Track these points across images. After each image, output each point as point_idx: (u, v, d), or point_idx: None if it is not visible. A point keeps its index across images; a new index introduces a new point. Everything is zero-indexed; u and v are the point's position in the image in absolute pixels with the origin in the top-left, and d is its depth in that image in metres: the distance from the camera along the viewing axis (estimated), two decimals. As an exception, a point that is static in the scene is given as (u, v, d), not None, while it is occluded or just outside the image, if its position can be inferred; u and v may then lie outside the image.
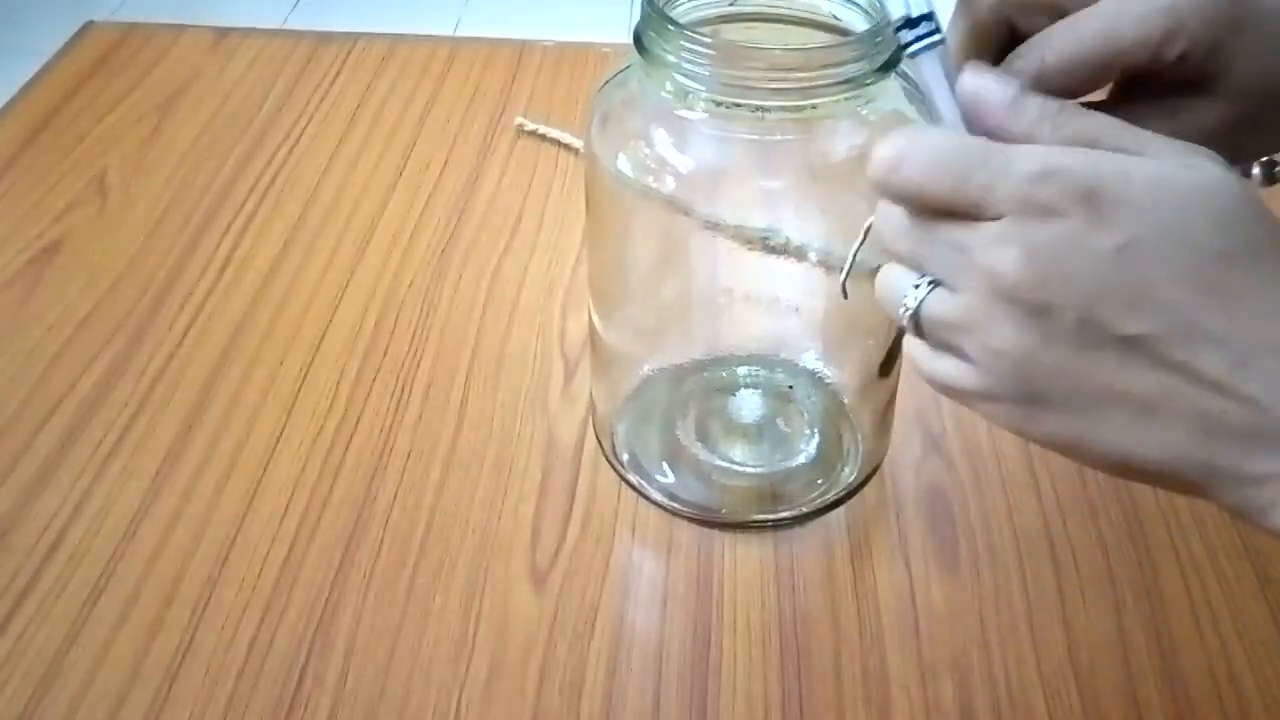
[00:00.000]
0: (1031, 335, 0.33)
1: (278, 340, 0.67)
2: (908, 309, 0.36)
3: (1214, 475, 0.34)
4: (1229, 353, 0.32)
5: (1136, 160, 0.33)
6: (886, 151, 0.35)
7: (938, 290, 0.36)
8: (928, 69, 0.37)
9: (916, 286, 0.36)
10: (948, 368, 0.36)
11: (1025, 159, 0.33)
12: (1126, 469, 0.35)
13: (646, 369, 0.61)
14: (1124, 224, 0.32)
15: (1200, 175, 0.33)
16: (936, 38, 0.36)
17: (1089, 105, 0.39)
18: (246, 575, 0.54)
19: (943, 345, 0.36)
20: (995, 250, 0.33)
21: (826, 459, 0.59)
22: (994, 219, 0.33)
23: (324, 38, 0.96)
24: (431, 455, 0.60)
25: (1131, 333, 0.33)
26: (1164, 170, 0.33)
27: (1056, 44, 0.38)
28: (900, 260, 0.37)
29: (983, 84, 0.36)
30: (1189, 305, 0.32)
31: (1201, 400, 0.33)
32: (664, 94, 0.48)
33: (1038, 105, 0.35)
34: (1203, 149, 0.34)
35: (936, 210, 0.35)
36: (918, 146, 0.35)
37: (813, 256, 0.55)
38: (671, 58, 0.46)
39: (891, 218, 0.36)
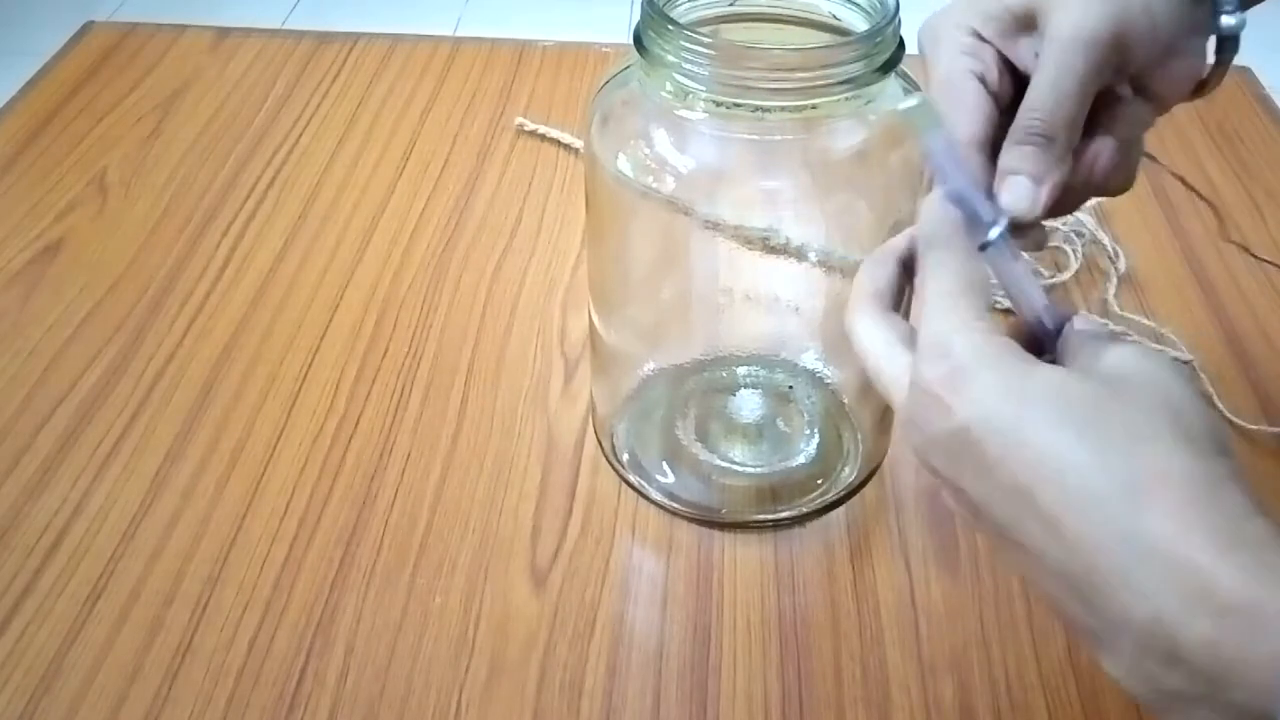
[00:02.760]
0: (940, 487, 0.36)
1: (278, 340, 0.67)
2: None
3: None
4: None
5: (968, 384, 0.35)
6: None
7: None
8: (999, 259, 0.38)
9: None
10: None
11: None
12: None
13: (646, 369, 0.61)
14: (960, 406, 0.34)
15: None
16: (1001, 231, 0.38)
17: None
18: (246, 575, 0.54)
19: None
20: (899, 430, 0.38)
21: (826, 459, 0.59)
22: None
23: (324, 38, 0.96)
24: (431, 455, 0.60)
25: (993, 516, 0.34)
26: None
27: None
28: None
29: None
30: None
31: (1031, 566, 0.33)
32: (664, 94, 0.48)
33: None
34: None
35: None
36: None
37: (813, 256, 0.55)
38: (671, 58, 0.46)
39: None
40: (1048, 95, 0.40)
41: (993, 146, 0.41)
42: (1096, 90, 0.41)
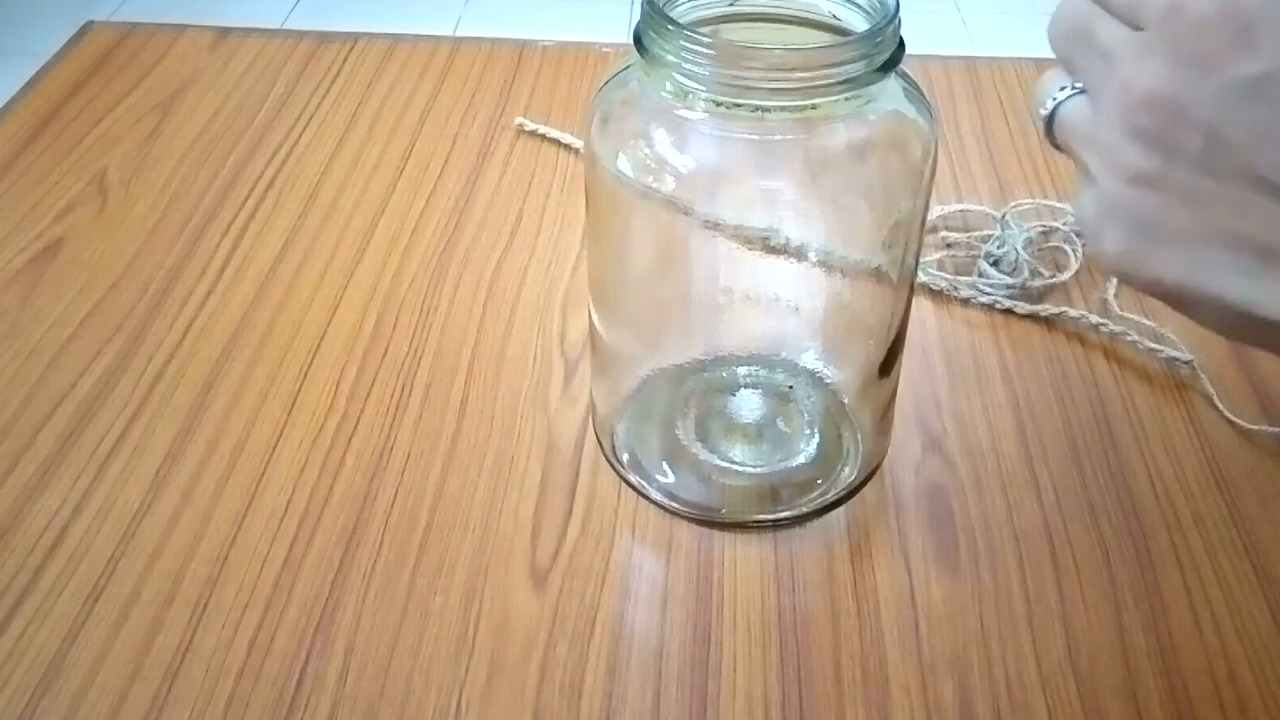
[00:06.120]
0: (1154, 157, 0.32)
1: (278, 340, 0.67)
2: (1044, 111, 0.35)
3: None
4: None
5: None
6: None
7: (1077, 98, 0.35)
8: None
9: (1062, 89, 0.35)
10: (1076, 191, 0.35)
11: None
12: (1241, 325, 0.33)
13: (646, 369, 0.61)
14: (1270, 53, 0.29)
15: None
16: None
17: None
18: (246, 575, 0.54)
19: (1072, 156, 0.35)
20: (1137, 62, 0.32)
21: (826, 459, 0.59)
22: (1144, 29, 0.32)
23: (324, 38, 0.96)
24: (431, 455, 0.60)
25: (1261, 172, 0.30)
26: None
27: None
28: (1059, 59, 0.35)
29: None
30: None
31: None
32: (664, 94, 0.48)
33: None
34: None
35: (1108, 9, 0.33)
36: None
37: (813, 256, 0.55)
38: (671, 58, 0.46)
39: (1066, 13, 0.35)
40: None
41: None
42: None
